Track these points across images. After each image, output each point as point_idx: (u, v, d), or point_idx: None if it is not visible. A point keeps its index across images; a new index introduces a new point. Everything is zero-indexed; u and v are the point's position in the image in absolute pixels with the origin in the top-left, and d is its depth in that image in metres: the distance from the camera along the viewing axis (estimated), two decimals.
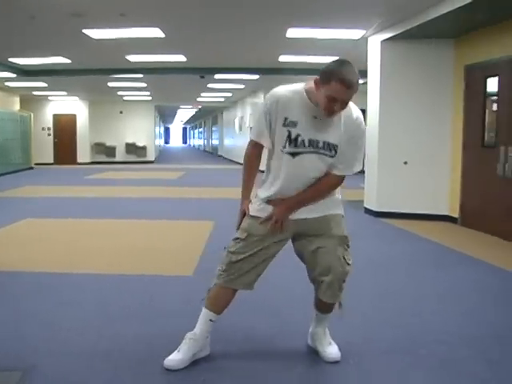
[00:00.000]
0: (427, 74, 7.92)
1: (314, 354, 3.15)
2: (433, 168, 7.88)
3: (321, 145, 2.72)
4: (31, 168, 19.02)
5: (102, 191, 12.23)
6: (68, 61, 11.28)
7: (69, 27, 7.99)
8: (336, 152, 2.75)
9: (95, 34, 8.39)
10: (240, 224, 2.96)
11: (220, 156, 31.69)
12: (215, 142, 36.40)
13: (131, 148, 24.02)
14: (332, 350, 3.09)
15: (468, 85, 7.64)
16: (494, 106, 7.32)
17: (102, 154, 23.33)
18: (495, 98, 7.25)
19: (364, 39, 8.69)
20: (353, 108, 2.78)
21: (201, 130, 49.78)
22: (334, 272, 2.85)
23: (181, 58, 11.13)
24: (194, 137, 60.39)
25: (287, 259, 3.12)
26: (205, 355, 3.04)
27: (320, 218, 2.87)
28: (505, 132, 6.85)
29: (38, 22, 7.60)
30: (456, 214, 7.84)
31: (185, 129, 69.87)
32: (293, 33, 8.49)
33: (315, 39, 8.93)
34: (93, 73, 12.94)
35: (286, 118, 2.71)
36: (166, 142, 62.64)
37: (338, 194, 2.98)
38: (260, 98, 18.65)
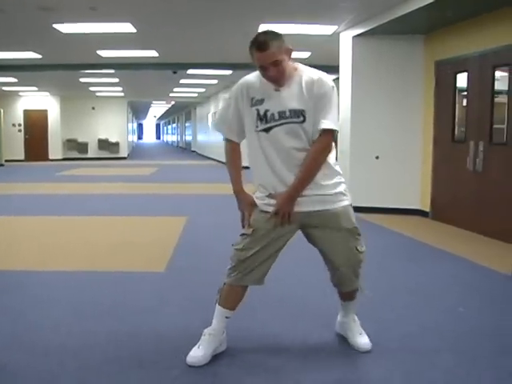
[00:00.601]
0: (398, 70, 7.98)
1: (327, 347, 3.22)
2: (404, 163, 7.95)
3: (288, 114, 2.74)
4: (1, 165, 18.77)
5: (74, 188, 12.12)
6: (38, 56, 11.11)
7: (38, 21, 7.86)
8: (304, 117, 2.74)
9: (65, 28, 8.26)
10: (244, 219, 2.96)
11: (193, 152, 31.56)
12: (188, 137, 36.23)
13: (104, 144, 23.80)
14: (364, 340, 3.15)
15: (438, 80, 7.73)
16: (464, 102, 7.41)
17: (74, 151, 23.06)
18: (465, 93, 7.34)
19: (336, 35, 8.71)
20: (312, 71, 2.81)
21: (174, 125, 49.53)
22: (347, 264, 2.93)
23: (153, 53, 11.04)
24: (167, 133, 60.06)
25: (294, 253, 3.11)
26: (222, 350, 3.06)
27: (324, 211, 2.85)
28: (474, 127, 6.95)
29: (6, 16, 7.47)
30: (427, 208, 7.94)
31: (158, 125, 69.43)
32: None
33: (287, 34, 8.82)
34: (64, 68, 12.77)
35: (252, 98, 2.79)
36: (140, 138, 62.22)
37: (342, 182, 2.98)
38: None
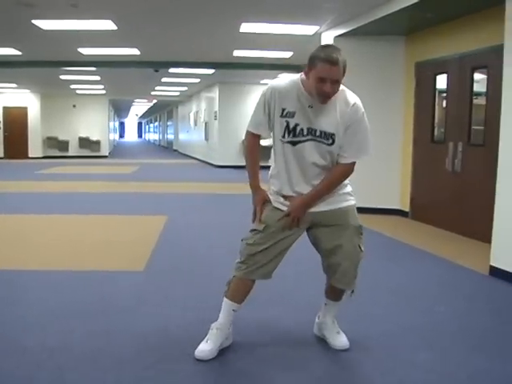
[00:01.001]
0: (379, 71, 8.02)
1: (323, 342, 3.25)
2: (384, 163, 7.97)
3: (318, 133, 2.79)
4: None
5: (54, 186, 12.01)
6: (18, 52, 10.99)
7: (18, 17, 7.77)
8: (334, 140, 2.80)
9: (45, 24, 8.18)
10: (255, 214, 2.97)
11: (175, 150, 31.49)
12: (170, 136, 36.14)
13: (84, 142, 23.60)
14: (341, 339, 3.19)
15: (418, 81, 7.79)
16: (444, 103, 7.48)
17: (54, 149, 22.83)
18: (445, 94, 7.41)
19: (318, 35, 8.74)
20: (348, 95, 2.85)
21: (156, 124, 49.35)
22: (350, 260, 2.96)
23: (134, 51, 10.99)
24: (149, 131, 59.83)
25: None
26: (229, 344, 3.10)
27: (336, 209, 2.95)
28: (454, 128, 7.01)
29: None
30: (407, 208, 8.00)
31: (140, 123, 69.14)
32: (246, 28, 8.48)
33: (269, 34, 8.95)
34: (44, 65, 12.64)
35: (283, 110, 2.79)
36: (121, 136, 61.85)
37: (349, 184, 3.05)
38: (215, 93, 18.60)
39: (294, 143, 2.82)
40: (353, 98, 2.86)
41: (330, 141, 2.80)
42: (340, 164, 2.88)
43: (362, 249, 3.01)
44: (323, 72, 2.64)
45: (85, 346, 3.14)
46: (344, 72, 2.72)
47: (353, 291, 3.09)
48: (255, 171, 3.02)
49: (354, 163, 2.90)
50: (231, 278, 3.03)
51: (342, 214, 2.97)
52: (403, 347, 3.25)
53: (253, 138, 2.97)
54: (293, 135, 2.80)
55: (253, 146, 3.01)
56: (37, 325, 3.48)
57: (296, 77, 2.87)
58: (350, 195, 3.04)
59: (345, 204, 2.99)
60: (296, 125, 2.78)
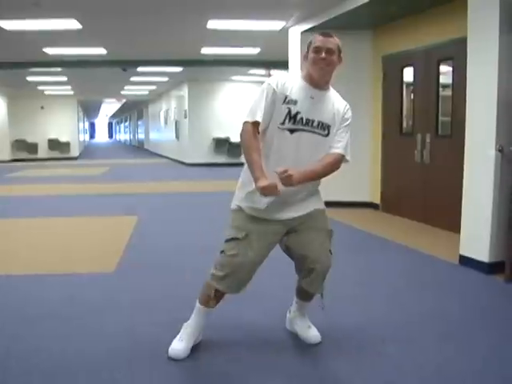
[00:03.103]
0: (346, 65, 7.86)
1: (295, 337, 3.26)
2: (354, 156, 7.96)
3: (315, 124, 2.82)
4: None
5: (22, 189, 11.83)
6: None
7: None
8: (329, 132, 2.85)
9: (8, 25, 8.01)
10: (272, 188, 2.71)
11: (146, 150, 31.29)
12: (141, 136, 35.92)
13: (54, 144, 23.27)
14: (313, 333, 3.20)
15: (386, 75, 7.85)
16: (411, 95, 7.54)
17: (23, 151, 22.45)
18: (412, 87, 7.47)
19: (285, 30, 8.74)
20: (341, 99, 2.96)
21: (127, 124, 48.97)
22: (321, 264, 2.93)
23: (101, 50, 10.85)
24: (120, 131, 59.33)
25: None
26: (200, 340, 3.10)
27: (309, 213, 2.94)
28: (421, 120, 7.08)
29: None
30: (377, 201, 8.06)
31: (110, 123, 68.47)
32: (213, 24, 8.44)
33: (236, 31, 8.91)
34: (9, 66, 12.41)
35: (286, 97, 2.80)
36: (92, 137, 61.22)
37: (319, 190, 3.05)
38: (184, 91, 18.51)
39: (292, 131, 2.80)
40: (344, 102, 2.97)
41: (326, 132, 2.85)
42: (334, 153, 2.88)
43: (332, 253, 3.01)
44: (318, 42, 2.80)
45: (54, 349, 3.09)
46: (340, 58, 2.86)
47: (322, 295, 3.08)
48: (259, 161, 2.75)
49: (340, 161, 2.91)
50: (207, 286, 2.97)
51: (313, 217, 2.96)
52: (372, 339, 3.27)
53: (251, 127, 2.80)
54: (293, 122, 2.79)
55: (252, 134, 2.79)
56: (6, 330, 3.42)
57: (297, 73, 2.97)
58: (320, 199, 3.06)
59: (317, 207, 2.99)
60: (297, 112, 2.79)
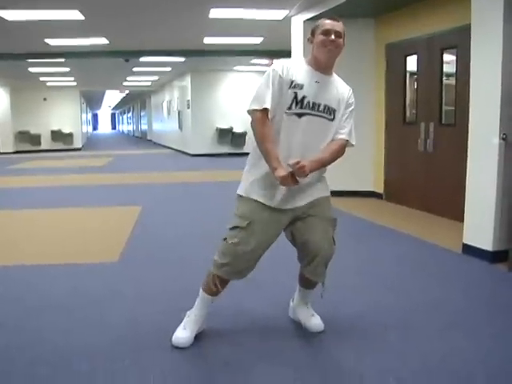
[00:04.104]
0: (349, 53, 7.86)
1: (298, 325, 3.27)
2: (357, 146, 7.88)
3: (321, 108, 2.82)
4: None
5: (27, 181, 11.85)
6: None
7: None
8: (334, 116, 2.86)
9: (9, 15, 8.01)
10: (288, 178, 2.71)
11: (149, 141, 31.28)
12: (144, 126, 35.88)
13: (57, 135, 23.27)
14: (316, 321, 3.21)
15: (389, 63, 7.81)
16: (415, 84, 7.50)
17: (26, 143, 22.46)
18: (415, 75, 7.43)
19: (287, 19, 8.70)
20: (344, 84, 2.98)
21: (129, 115, 48.92)
22: (324, 252, 2.93)
23: (103, 41, 10.83)
24: (122, 122, 59.26)
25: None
26: (203, 328, 3.10)
27: (314, 201, 2.94)
28: (425, 109, 7.05)
29: None
30: (381, 190, 8.05)
31: (113, 114, 68.42)
32: (216, 13, 8.41)
33: (238, 20, 8.88)
34: (10, 57, 12.41)
35: (292, 81, 2.78)
36: (95, 128, 61.23)
37: (325, 177, 3.05)
38: (187, 81, 18.47)
39: (299, 115, 2.79)
40: (347, 86, 2.98)
41: (332, 116, 2.85)
42: (337, 139, 2.90)
43: (335, 242, 3.00)
44: (327, 25, 2.81)
45: (57, 339, 3.10)
46: (344, 42, 2.85)
47: (323, 283, 3.07)
48: (274, 150, 2.74)
49: (346, 143, 2.93)
50: (210, 274, 2.98)
51: (318, 204, 2.95)
52: (375, 328, 3.27)
53: (261, 114, 2.77)
54: (300, 106, 2.78)
55: (264, 123, 2.76)
56: (9, 320, 3.43)
57: (301, 58, 2.99)
58: (326, 186, 3.05)
59: (322, 195, 2.99)
60: (304, 97, 2.78)
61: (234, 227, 2.88)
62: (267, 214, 2.86)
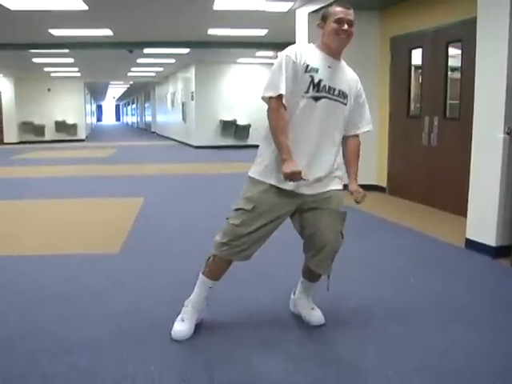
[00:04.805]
0: (354, 46, 7.81)
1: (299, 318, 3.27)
2: (361, 139, 7.96)
3: (336, 92, 2.83)
4: None
5: (30, 171, 11.87)
6: None
7: None
8: (347, 101, 2.88)
9: (13, 4, 7.96)
10: (295, 174, 2.71)
11: (153, 132, 31.28)
12: (148, 118, 35.88)
13: (61, 126, 23.29)
14: (317, 314, 3.20)
15: (393, 57, 7.77)
16: (420, 78, 7.47)
17: (30, 134, 22.48)
18: (420, 69, 7.39)
19: (292, 11, 8.66)
20: (352, 70, 3.01)
21: (134, 106, 48.92)
22: (331, 245, 2.93)
23: (107, 31, 10.80)
24: (127, 114, 59.27)
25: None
26: (202, 318, 3.10)
27: (325, 192, 2.92)
28: (429, 102, 7.02)
29: None
30: (384, 184, 8.03)
31: (118, 106, 68.40)
32: (220, 5, 8.37)
33: (243, 11, 8.84)
34: (14, 48, 12.39)
35: (307, 65, 2.77)
36: (99, 119, 61.21)
37: (339, 168, 3.04)
38: (191, 73, 18.44)
39: (316, 98, 2.78)
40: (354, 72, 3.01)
41: (346, 100, 2.87)
42: (353, 137, 3.02)
43: (343, 236, 2.98)
44: (340, 13, 2.79)
45: (58, 330, 3.11)
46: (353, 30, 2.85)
47: (328, 276, 3.07)
48: (284, 143, 2.72)
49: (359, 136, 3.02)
50: (210, 256, 2.99)
51: (329, 197, 2.93)
52: (377, 321, 3.26)
53: (276, 102, 2.73)
54: (317, 90, 2.77)
55: (279, 112, 2.73)
56: (11, 312, 3.43)
57: (310, 44, 2.96)
58: (340, 179, 3.03)
59: (334, 188, 2.95)
60: (320, 80, 2.77)
61: (238, 209, 2.88)
62: (276, 200, 2.84)
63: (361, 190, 2.91)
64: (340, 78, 2.86)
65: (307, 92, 2.77)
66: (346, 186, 3.03)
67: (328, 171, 2.90)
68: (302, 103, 2.78)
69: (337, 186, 2.98)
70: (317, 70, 2.77)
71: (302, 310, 3.25)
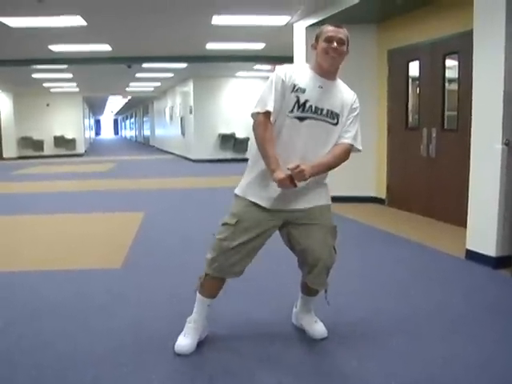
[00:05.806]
0: (352, 59, 7.84)
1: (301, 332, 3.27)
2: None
3: (325, 112, 2.83)
4: None
5: (30, 187, 11.87)
6: None
7: None
8: (338, 121, 2.86)
9: (12, 22, 8.03)
10: (286, 180, 2.71)
11: (152, 146, 31.31)
12: (147, 132, 35.94)
13: (60, 141, 23.30)
14: (319, 328, 3.20)
15: (391, 69, 7.82)
16: (417, 90, 7.51)
17: (29, 149, 22.46)
18: (418, 81, 7.44)
19: (290, 25, 8.71)
20: (349, 89, 2.99)
21: (132, 120, 49.01)
22: (324, 261, 2.92)
23: (106, 47, 10.84)
24: (125, 128, 59.36)
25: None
26: (205, 336, 3.10)
27: (313, 208, 2.92)
28: (427, 114, 7.06)
29: None
30: (383, 196, 8.05)
31: (116, 120, 68.53)
32: (218, 20, 8.42)
33: (241, 26, 8.90)
34: (14, 64, 12.44)
35: (294, 85, 2.81)
36: (98, 133, 61.29)
37: (327, 183, 3.04)
38: (190, 87, 18.50)
39: (301, 119, 2.80)
40: (353, 93, 2.99)
41: (335, 120, 2.86)
42: (343, 143, 2.89)
43: (336, 251, 3.00)
44: (330, 32, 2.81)
45: (61, 344, 3.10)
46: (348, 49, 2.86)
47: (326, 290, 3.08)
48: (275, 154, 2.75)
49: (350, 151, 2.91)
50: (202, 274, 3.00)
51: (318, 212, 2.94)
52: (378, 333, 3.27)
53: (263, 117, 2.79)
54: (302, 110, 2.79)
55: (266, 126, 2.78)
56: (13, 326, 3.43)
57: (304, 64, 3.01)
58: (327, 194, 3.04)
59: (321, 203, 2.97)
60: (306, 101, 2.79)
61: (224, 223, 2.92)
62: (259, 215, 2.86)
63: (303, 168, 2.65)
64: (331, 98, 2.86)
65: (292, 112, 2.80)
66: (333, 199, 3.05)
67: (313, 184, 2.89)
68: (287, 122, 2.81)
69: (324, 201, 3.00)
70: (304, 91, 2.80)
71: (304, 324, 3.26)
